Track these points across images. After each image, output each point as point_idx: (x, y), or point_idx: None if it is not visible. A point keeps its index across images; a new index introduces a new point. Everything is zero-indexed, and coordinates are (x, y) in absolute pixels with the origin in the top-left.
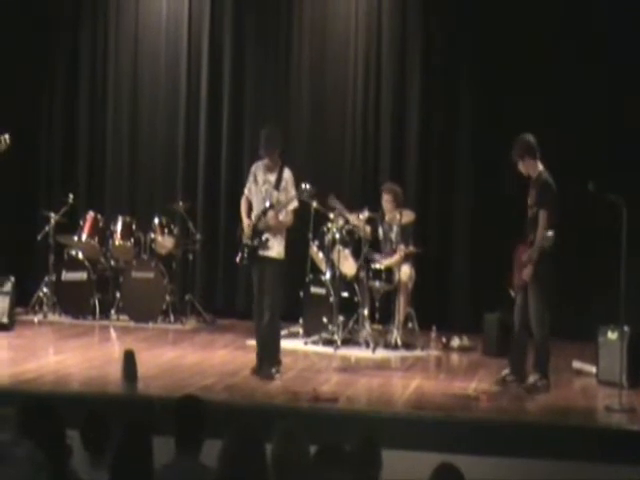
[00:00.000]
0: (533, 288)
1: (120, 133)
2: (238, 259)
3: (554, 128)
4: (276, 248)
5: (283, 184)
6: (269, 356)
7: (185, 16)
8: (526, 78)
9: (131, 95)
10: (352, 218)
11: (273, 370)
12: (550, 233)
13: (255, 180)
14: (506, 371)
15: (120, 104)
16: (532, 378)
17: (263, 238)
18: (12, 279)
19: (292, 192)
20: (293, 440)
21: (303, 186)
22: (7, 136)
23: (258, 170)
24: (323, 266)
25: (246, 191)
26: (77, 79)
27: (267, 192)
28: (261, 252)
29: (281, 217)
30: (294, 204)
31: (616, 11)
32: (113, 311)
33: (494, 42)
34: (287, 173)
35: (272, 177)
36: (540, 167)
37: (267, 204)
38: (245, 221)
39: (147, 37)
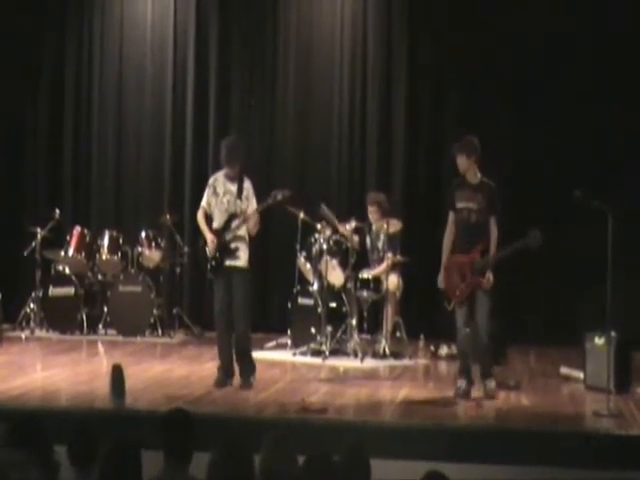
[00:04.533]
0: (487, 295)
1: (106, 146)
2: (210, 273)
3: (543, 131)
4: (243, 257)
5: (245, 193)
6: (249, 366)
7: (170, 24)
8: (514, 82)
9: (117, 109)
10: (340, 228)
11: (252, 379)
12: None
13: (215, 192)
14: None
15: (106, 118)
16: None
17: (232, 247)
18: None
19: (253, 201)
20: (282, 451)
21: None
22: None
23: (217, 182)
24: (311, 277)
25: (204, 204)
26: (62, 92)
27: (229, 202)
28: (229, 262)
29: (251, 225)
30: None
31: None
32: (101, 326)
33: (482, 49)
34: (247, 183)
35: (233, 187)
36: (479, 173)
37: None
38: (208, 236)
39: (132, 49)
